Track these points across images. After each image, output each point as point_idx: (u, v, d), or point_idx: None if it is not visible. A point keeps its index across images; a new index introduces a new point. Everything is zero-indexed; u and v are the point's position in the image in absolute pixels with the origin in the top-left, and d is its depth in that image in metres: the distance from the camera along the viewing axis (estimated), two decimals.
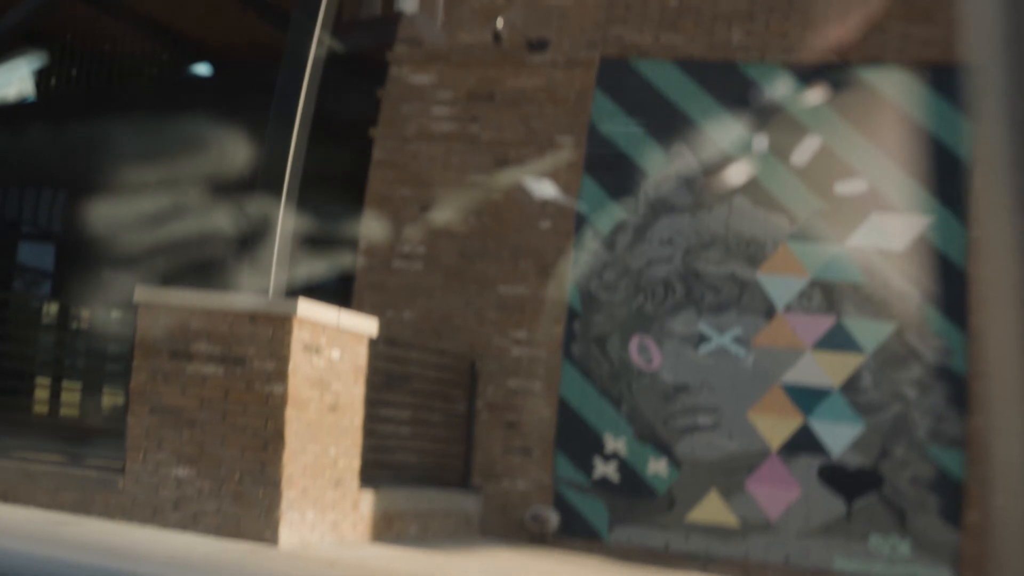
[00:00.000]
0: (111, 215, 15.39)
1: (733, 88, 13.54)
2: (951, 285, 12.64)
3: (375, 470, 11.56)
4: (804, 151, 13.22)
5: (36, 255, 19.98)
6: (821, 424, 12.89)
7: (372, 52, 14.64)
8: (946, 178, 12.72)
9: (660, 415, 13.31)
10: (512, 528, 13.31)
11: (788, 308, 13.14)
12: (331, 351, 10.49)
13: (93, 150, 17.03)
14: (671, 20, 13.89)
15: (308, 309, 10.09)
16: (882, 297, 12.90)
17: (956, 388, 12.58)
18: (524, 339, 13.71)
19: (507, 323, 13.77)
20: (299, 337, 10.01)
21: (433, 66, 14.40)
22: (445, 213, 14.02)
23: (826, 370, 12.94)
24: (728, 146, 13.45)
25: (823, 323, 13.02)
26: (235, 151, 14.12)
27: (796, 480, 12.88)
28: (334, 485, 10.59)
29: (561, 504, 13.32)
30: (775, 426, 13.00)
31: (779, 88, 13.39)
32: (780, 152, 13.30)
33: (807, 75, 13.34)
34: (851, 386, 12.87)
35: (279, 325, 9.95)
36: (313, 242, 13.70)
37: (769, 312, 13.19)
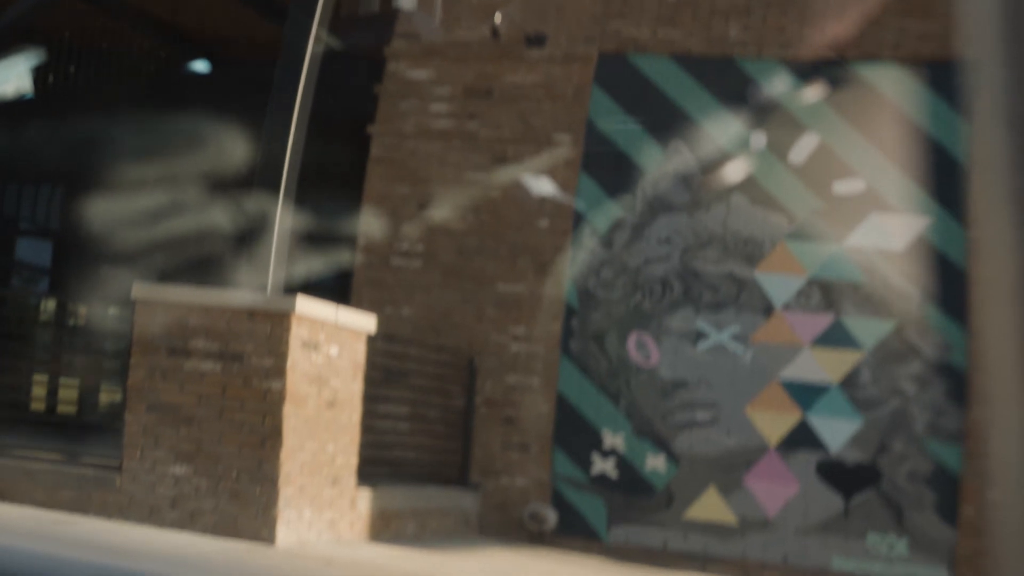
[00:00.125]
0: (109, 211, 15.38)
1: (731, 84, 13.52)
2: (951, 283, 12.63)
3: (373, 467, 11.54)
4: (802, 149, 13.20)
5: (34, 251, 19.98)
6: (819, 420, 12.88)
7: (370, 48, 14.62)
8: (945, 178, 12.70)
9: (658, 411, 13.30)
10: (510, 526, 13.30)
11: (786, 306, 13.13)
12: (329, 347, 10.48)
13: (91, 147, 17.01)
14: (669, 14, 13.87)
15: (307, 305, 10.08)
16: (882, 296, 12.88)
17: (956, 382, 12.57)
18: (522, 335, 13.70)
19: (505, 320, 13.76)
20: (297, 333, 9.99)
21: (431, 61, 14.37)
22: (443, 211, 14.01)
23: (824, 366, 12.93)
24: (726, 143, 13.43)
25: (822, 321, 13.01)
26: (233, 148, 14.10)
27: (794, 476, 12.88)
28: (331, 483, 10.58)
29: (559, 502, 13.31)
30: (773, 422, 12.99)
31: (777, 85, 13.37)
32: (778, 150, 13.28)
33: (804, 71, 13.32)
34: (850, 382, 12.86)
35: (277, 321, 9.94)
36: (311, 239, 13.67)
37: (767, 310, 13.18)
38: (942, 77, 12.90)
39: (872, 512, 12.65)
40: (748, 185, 13.33)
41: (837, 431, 12.84)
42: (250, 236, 10.61)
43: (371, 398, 11.41)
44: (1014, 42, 1.88)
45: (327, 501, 10.52)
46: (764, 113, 13.38)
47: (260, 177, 10.79)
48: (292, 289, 10.73)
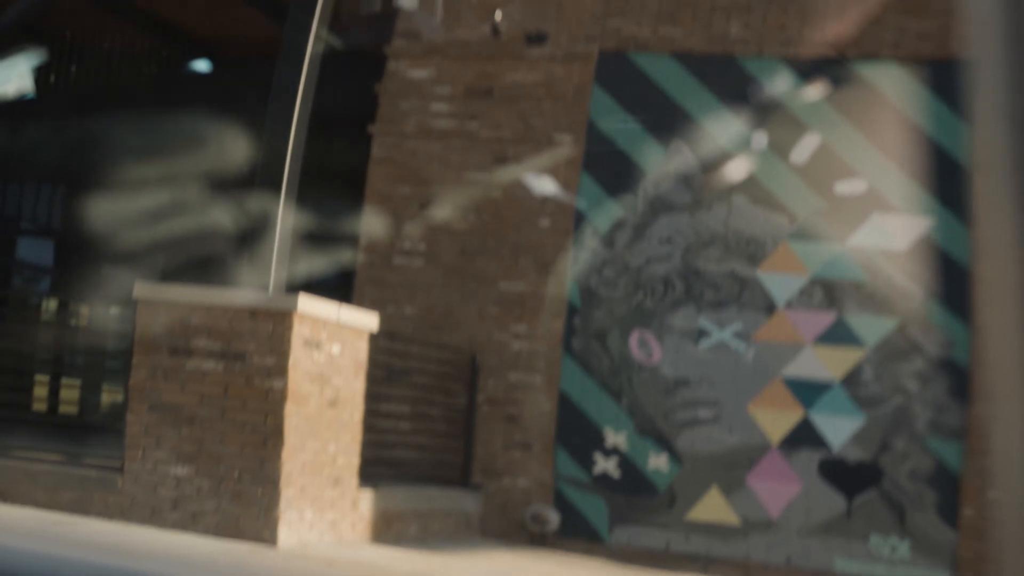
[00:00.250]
0: (110, 211, 15.37)
1: (731, 83, 13.50)
2: (954, 281, 12.61)
3: (374, 467, 11.52)
4: (803, 149, 13.18)
5: (35, 251, 19.97)
6: (822, 417, 12.86)
7: (371, 47, 14.60)
8: (946, 177, 12.68)
9: (660, 409, 13.28)
10: (512, 528, 13.28)
11: (789, 304, 13.12)
12: (331, 346, 10.47)
13: (92, 146, 17.01)
14: (669, 12, 13.85)
15: (309, 304, 10.07)
16: (884, 294, 12.86)
17: (958, 379, 12.56)
18: (524, 333, 13.69)
19: (507, 318, 13.75)
20: (299, 332, 9.98)
21: (431, 60, 14.36)
22: (445, 210, 14.00)
23: (827, 364, 12.91)
24: (727, 143, 13.41)
25: (824, 319, 12.99)
26: (234, 147, 14.09)
27: (797, 475, 12.86)
28: (333, 484, 10.56)
29: (561, 502, 13.29)
30: (775, 419, 12.98)
31: (777, 83, 13.35)
32: (779, 150, 13.26)
33: (805, 70, 13.30)
34: (852, 379, 12.85)
35: (279, 320, 9.93)
36: (313, 238, 13.67)
37: (769, 308, 13.17)
38: (941, 76, 12.88)
39: (874, 513, 12.63)
40: (749, 185, 13.32)
41: (839, 429, 12.83)
42: (252, 235, 10.59)
43: (373, 397, 11.39)
44: (1015, 42, 1.87)
45: (329, 502, 10.50)
46: (765, 112, 13.36)
47: (261, 176, 10.78)
48: (294, 289, 10.72)
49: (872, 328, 12.86)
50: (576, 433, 13.41)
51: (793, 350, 13.04)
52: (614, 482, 13.26)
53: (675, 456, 13.19)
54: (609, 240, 13.61)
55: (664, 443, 13.23)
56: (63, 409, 15.21)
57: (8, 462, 10.33)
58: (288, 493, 9.84)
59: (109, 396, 15.92)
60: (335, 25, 11.87)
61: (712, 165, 13.44)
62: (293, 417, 9.92)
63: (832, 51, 13.23)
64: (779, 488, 12.89)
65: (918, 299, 12.81)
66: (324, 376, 10.38)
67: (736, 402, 13.12)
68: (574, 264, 13.65)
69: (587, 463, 13.34)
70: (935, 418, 12.62)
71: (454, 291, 13.92)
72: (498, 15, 13.98)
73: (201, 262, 13.51)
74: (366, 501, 11.17)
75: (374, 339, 11.29)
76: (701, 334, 13.33)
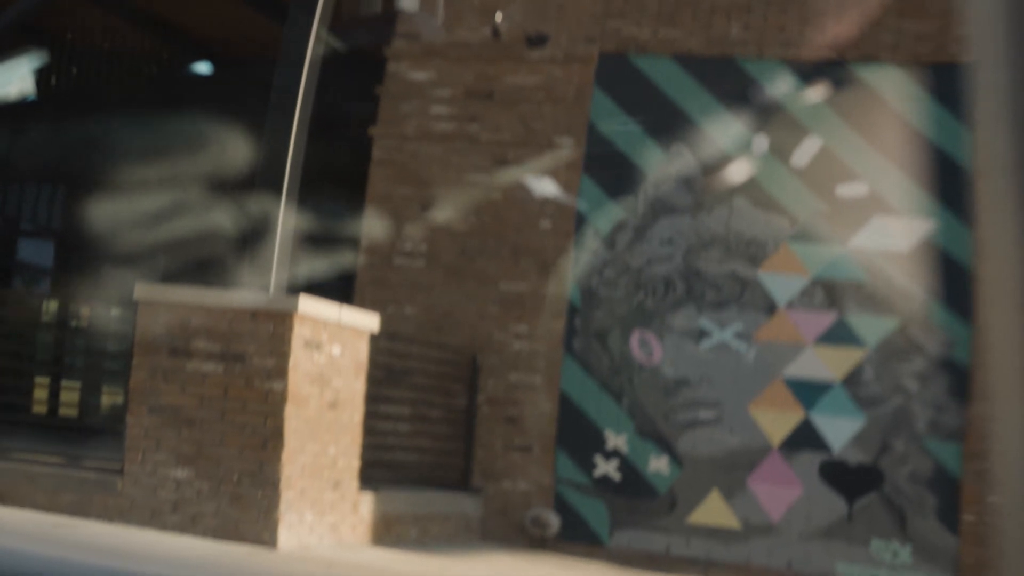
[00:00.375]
0: (111, 212, 15.37)
1: (732, 85, 13.48)
2: (956, 281, 12.59)
3: (374, 470, 11.50)
4: (804, 153, 13.17)
5: (35, 252, 19.96)
6: (822, 418, 12.85)
7: (371, 48, 14.59)
8: (947, 178, 12.66)
9: (661, 410, 13.27)
10: (512, 531, 13.26)
11: (790, 305, 13.10)
12: (332, 347, 10.45)
13: (93, 147, 17.00)
14: (669, 13, 13.84)
15: (309, 305, 10.05)
16: (885, 295, 12.85)
17: (958, 378, 12.55)
18: (525, 333, 13.68)
19: (508, 318, 13.74)
20: (300, 333, 9.96)
21: (431, 62, 14.34)
22: (445, 212, 13.99)
23: (828, 364, 12.90)
24: (728, 145, 13.40)
25: (825, 319, 12.98)
26: (235, 148, 14.08)
27: (798, 477, 12.84)
28: (333, 486, 10.54)
29: (562, 506, 13.27)
30: (776, 421, 12.96)
31: (778, 85, 13.34)
32: (780, 153, 13.25)
33: (806, 72, 13.29)
34: (853, 379, 12.84)
35: (280, 321, 9.91)
36: (314, 240, 13.66)
37: (770, 308, 13.15)
38: (939, 78, 12.87)
39: (875, 517, 12.61)
40: (750, 187, 13.30)
41: (840, 430, 12.81)
42: (252, 237, 10.58)
43: (373, 398, 11.38)
44: (1016, 42, 1.86)
45: (329, 505, 10.49)
46: (766, 114, 13.35)
47: (262, 177, 10.76)
48: (295, 290, 10.70)
49: (873, 328, 12.84)
50: (576, 435, 13.40)
51: (794, 350, 13.03)
52: (614, 485, 13.24)
53: (675, 459, 13.17)
54: (610, 241, 13.60)
55: (664, 445, 13.21)
56: (63, 411, 15.19)
57: (8, 464, 10.32)
58: (288, 496, 9.83)
59: (109, 398, 15.90)
60: (335, 26, 11.84)
61: (713, 167, 13.43)
62: (293, 419, 9.91)
63: (832, 53, 13.22)
64: (780, 491, 12.87)
65: (919, 299, 12.79)
66: (324, 377, 10.36)
67: (737, 403, 13.10)
68: (575, 265, 13.64)
69: (587, 466, 13.32)
70: (934, 418, 12.61)
71: (455, 291, 13.91)
72: (498, 17, 13.97)
73: (202, 263, 13.51)
74: (366, 504, 11.15)
75: (374, 340, 11.27)
76: (702, 334, 13.31)
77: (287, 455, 9.83)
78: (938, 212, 12.78)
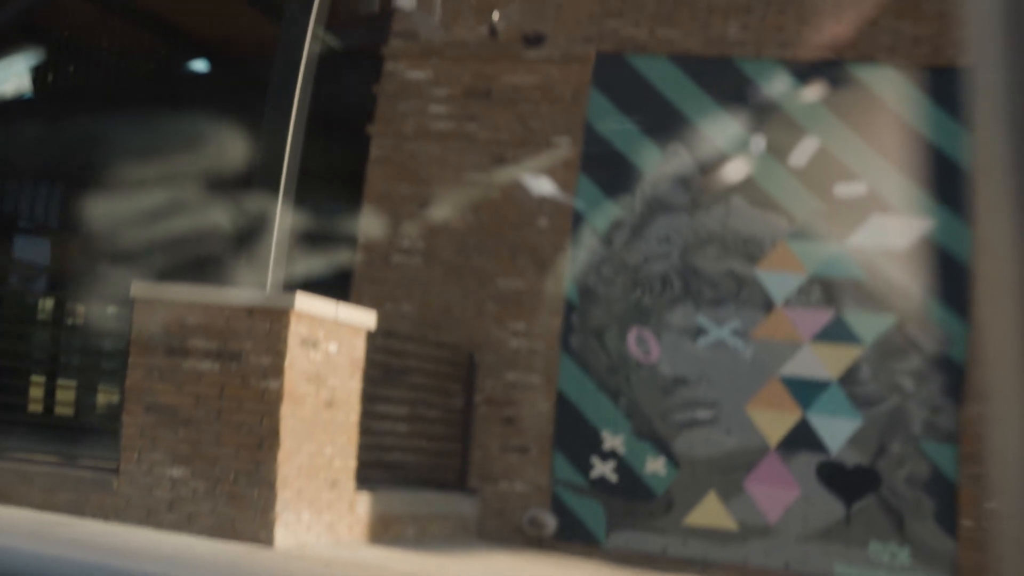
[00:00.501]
0: (108, 210, 15.35)
1: (729, 85, 13.47)
2: (954, 279, 12.58)
3: (371, 470, 11.48)
4: (802, 153, 13.16)
5: (32, 250, 19.93)
6: (819, 418, 12.83)
7: (369, 47, 14.58)
8: (945, 177, 12.66)
9: (658, 409, 13.25)
10: (510, 531, 13.25)
11: (787, 302, 13.09)
12: (328, 345, 10.43)
13: (90, 145, 16.98)
14: (666, 13, 13.83)
15: (306, 303, 10.03)
16: (883, 292, 12.84)
17: (953, 377, 12.53)
18: (522, 331, 13.67)
19: (505, 315, 13.73)
20: (296, 331, 9.94)
21: (429, 61, 14.33)
22: (443, 210, 13.98)
23: (825, 362, 12.89)
24: (725, 145, 13.39)
25: (822, 316, 12.97)
26: (232, 146, 14.07)
27: (795, 479, 12.82)
28: (330, 486, 10.52)
29: (558, 506, 13.26)
30: (773, 421, 12.94)
31: (776, 85, 13.33)
32: (778, 152, 13.24)
33: (803, 72, 13.28)
34: (850, 378, 12.82)
35: (276, 319, 9.89)
36: (311, 238, 13.65)
37: (768, 306, 13.14)
38: (936, 80, 12.86)
39: (873, 519, 12.60)
40: (748, 186, 13.30)
41: (837, 431, 12.79)
42: (250, 235, 10.57)
43: (370, 398, 11.35)
44: (1014, 43, 1.85)
45: (326, 504, 10.47)
46: (763, 114, 13.34)
47: (259, 176, 10.76)
48: (292, 288, 10.68)
49: (870, 325, 12.84)
50: (573, 436, 13.38)
51: (791, 348, 13.02)
52: (611, 486, 13.22)
53: (672, 459, 13.15)
54: (607, 239, 13.59)
55: (662, 446, 13.19)
56: (59, 410, 15.18)
57: (4, 463, 10.31)
58: (284, 495, 9.81)
59: (105, 397, 15.88)
60: (333, 25, 11.83)
61: (710, 167, 13.42)
62: (289, 418, 9.89)
63: (830, 53, 13.21)
64: (777, 493, 12.86)
65: (917, 297, 12.79)
66: (320, 376, 10.34)
67: (734, 402, 13.09)
68: (572, 263, 13.63)
69: (584, 467, 13.30)
70: (930, 420, 12.59)
71: (452, 289, 13.90)
72: (496, 16, 13.95)
73: (199, 262, 13.49)
74: (363, 504, 11.13)
75: (371, 337, 11.25)
76: (699, 332, 13.30)
77: (283, 455, 9.81)
78: (936, 210, 12.78)
